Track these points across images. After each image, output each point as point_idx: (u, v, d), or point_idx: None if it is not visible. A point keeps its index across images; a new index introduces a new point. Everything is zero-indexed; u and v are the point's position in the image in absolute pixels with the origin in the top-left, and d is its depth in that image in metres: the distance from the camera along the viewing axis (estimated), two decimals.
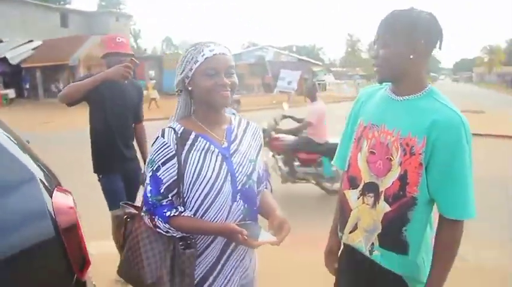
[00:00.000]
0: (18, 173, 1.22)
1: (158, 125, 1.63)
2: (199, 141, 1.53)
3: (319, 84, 41.60)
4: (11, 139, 1.25)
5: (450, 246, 1.50)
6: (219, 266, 1.57)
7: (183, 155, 1.50)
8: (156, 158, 1.50)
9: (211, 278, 1.57)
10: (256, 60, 37.49)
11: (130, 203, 1.71)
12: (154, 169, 1.50)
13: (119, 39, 3.25)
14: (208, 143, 1.54)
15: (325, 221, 2.17)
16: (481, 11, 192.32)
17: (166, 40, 76.77)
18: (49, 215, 1.23)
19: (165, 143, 1.50)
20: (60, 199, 1.32)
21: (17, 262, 1.15)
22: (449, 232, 1.49)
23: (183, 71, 1.54)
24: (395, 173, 1.52)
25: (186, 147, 1.51)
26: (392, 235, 1.55)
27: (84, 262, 1.33)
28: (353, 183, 1.67)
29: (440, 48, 1.52)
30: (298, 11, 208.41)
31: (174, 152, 1.50)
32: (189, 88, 1.55)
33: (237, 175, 1.55)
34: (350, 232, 1.68)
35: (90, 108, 3.20)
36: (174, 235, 1.49)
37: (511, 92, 43.06)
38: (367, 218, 1.61)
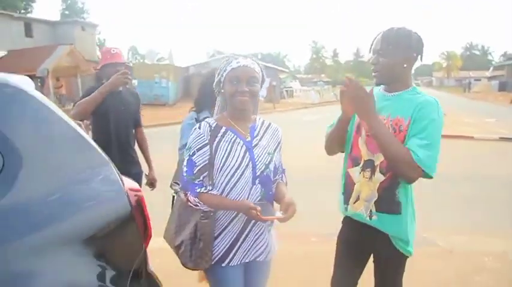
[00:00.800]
0: (98, 159, 1.54)
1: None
2: (228, 134, 1.92)
3: (286, 91, 42.28)
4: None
5: (411, 164, 1.83)
6: (240, 240, 1.95)
7: (214, 144, 1.89)
8: (193, 145, 1.90)
9: (233, 250, 1.94)
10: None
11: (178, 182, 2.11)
12: (190, 153, 1.90)
13: (113, 50, 3.54)
14: (235, 136, 1.94)
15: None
16: (437, 19, 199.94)
17: (132, 49, 75.94)
18: (126, 194, 1.56)
19: (200, 133, 1.90)
20: (128, 180, 1.66)
21: (105, 233, 1.47)
22: (408, 165, 1.84)
23: (218, 77, 1.94)
24: None
25: (217, 138, 1.90)
26: (387, 199, 1.99)
27: (147, 234, 1.66)
28: (355, 162, 2.11)
29: (421, 60, 2.01)
30: (263, 19, 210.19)
31: (207, 141, 1.89)
32: (222, 91, 1.95)
33: (257, 163, 1.95)
34: (354, 203, 2.11)
35: (94, 119, 3.41)
36: (202, 208, 1.87)
37: (468, 95, 45.22)
38: (366, 190, 2.04)
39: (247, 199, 1.92)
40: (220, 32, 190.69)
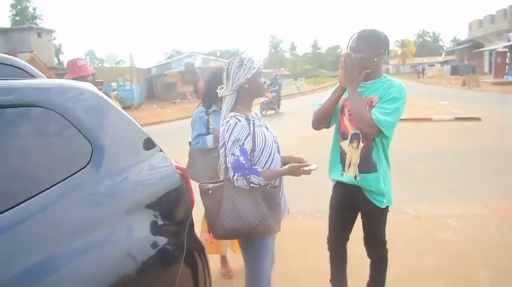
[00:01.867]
0: (153, 144, 1.98)
1: None
2: (255, 121, 2.39)
3: None
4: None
5: (369, 122, 2.40)
6: (281, 195, 2.46)
7: (251, 132, 2.32)
8: (240, 136, 2.28)
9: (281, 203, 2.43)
10: (186, 68, 37.82)
11: (212, 181, 2.46)
12: (241, 143, 2.27)
13: (79, 62, 3.82)
14: (259, 120, 2.44)
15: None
16: (389, 7, 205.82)
17: (90, 53, 74.61)
18: (176, 170, 2.02)
19: (243, 125, 2.30)
20: (173, 161, 2.11)
21: (165, 202, 1.93)
22: (367, 122, 2.40)
23: (245, 76, 2.34)
24: None
25: (251, 126, 2.33)
26: (366, 161, 2.54)
27: (191, 200, 2.12)
28: (344, 136, 2.64)
29: (388, 54, 2.57)
30: (218, 16, 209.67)
31: (249, 130, 2.31)
32: (246, 86, 2.35)
33: (275, 137, 2.50)
34: (348, 169, 2.63)
35: None
36: (262, 184, 2.28)
37: (422, 80, 47.29)
38: (354, 156, 2.57)
39: (280, 166, 2.45)
40: (177, 32, 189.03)
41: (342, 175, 2.69)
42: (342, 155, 2.68)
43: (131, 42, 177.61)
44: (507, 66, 34.53)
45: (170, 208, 1.97)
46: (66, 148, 1.63)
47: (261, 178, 2.26)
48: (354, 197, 2.66)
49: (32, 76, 1.77)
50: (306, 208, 5.30)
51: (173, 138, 6.77)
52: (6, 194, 1.38)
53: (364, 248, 2.85)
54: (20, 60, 1.81)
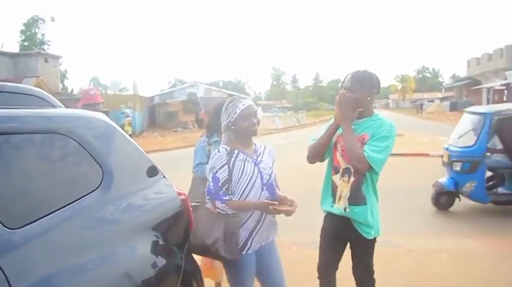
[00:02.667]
0: (157, 171, 2.16)
1: None
2: (240, 155, 2.57)
3: None
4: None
5: (361, 159, 2.58)
6: (255, 232, 2.59)
7: (231, 163, 2.52)
8: (216, 165, 2.50)
9: (250, 240, 2.57)
10: (189, 97, 38.29)
11: (195, 201, 2.66)
12: (214, 171, 2.49)
13: (91, 91, 4.22)
14: (245, 156, 2.59)
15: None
16: (391, 43, 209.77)
17: (94, 80, 75.61)
18: (177, 195, 2.18)
19: (220, 155, 2.52)
20: (175, 186, 2.27)
21: (165, 226, 2.09)
22: (359, 159, 2.58)
23: (228, 118, 2.56)
24: None
25: (233, 159, 2.53)
26: (356, 194, 2.70)
27: (190, 223, 2.27)
28: (336, 170, 2.81)
29: (379, 93, 2.79)
30: (222, 47, 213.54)
31: (225, 161, 2.50)
32: (232, 127, 2.56)
33: (263, 174, 2.60)
34: (338, 201, 2.78)
35: None
36: (228, 212, 2.46)
37: (422, 116, 47.82)
38: (345, 189, 2.73)
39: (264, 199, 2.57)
40: (181, 61, 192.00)
41: (332, 206, 2.83)
42: (333, 188, 2.84)
43: (135, 70, 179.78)
44: None
45: (170, 231, 2.13)
46: (80, 171, 1.80)
47: (224, 205, 2.45)
48: (343, 227, 2.81)
49: (53, 106, 1.95)
50: (302, 239, 5.40)
51: (173, 166, 6.91)
52: (27, 210, 1.54)
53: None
54: (43, 92, 1.99)
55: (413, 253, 5.03)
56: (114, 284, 1.73)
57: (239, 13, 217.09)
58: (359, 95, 2.69)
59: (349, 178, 2.75)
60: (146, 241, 1.93)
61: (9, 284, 1.33)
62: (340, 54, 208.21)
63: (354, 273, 2.94)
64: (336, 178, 2.82)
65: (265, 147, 2.80)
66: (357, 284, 2.96)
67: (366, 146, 2.62)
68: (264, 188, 2.61)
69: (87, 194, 1.73)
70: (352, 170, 2.71)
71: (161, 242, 2.01)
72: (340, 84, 2.83)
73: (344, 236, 2.87)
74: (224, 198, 2.46)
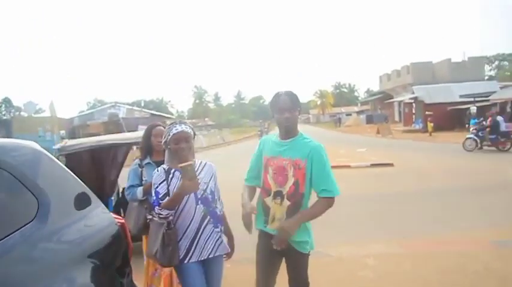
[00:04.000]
0: (94, 198, 2.10)
1: None
2: (176, 173, 2.72)
3: None
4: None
5: (322, 211, 2.76)
6: (195, 242, 2.75)
7: (169, 180, 2.71)
8: (156, 181, 2.71)
9: (191, 250, 2.74)
10: (110, 118, 37.01)
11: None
12: (155, 187, 2.70)
13: None
14: (181, 174, 2.66)
15: None
16: (309, 59, 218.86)
17: (6, 102, 70.34)
18: (115, 221, 2.12)
19: (159, 174, 2.72)
20: (112, 214, 2.20)
21: (104, 252, 2.02)
22: (326, 204, 2.75)
23: (165, 139, 2.77)
24: (291, 182, 2.80)
25: (170, 176, 2.73)
26: (292, 216, 2.75)
27: (129, 246, 2.23)
28: (267, 192, 2.88)
29: (300, 113, 2.89)
30: (142, 65, 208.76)
31: (164, 178, 2.70)
32: (168, 147, 2.74)
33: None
34: (271, 222, 2.86)
35: None
36: (163, 213, 2.63)
37: (340, 129, 50.32)
38: (278, 212, 2.82)
39: (194, 214, 2.76)
40: (100, 80, 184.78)
41: (265, 227, 2.92)
42: (265, 209, 2.91)
43: (51, 90, 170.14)
44: (414, 116, 37.90)
45: (109, 257, 2.09)
46: (14, 203, 1.70)
47: (158, 208, 2.67)
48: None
49: None
50: (235, 256, 5.41)
51: None
52: None
53: None
54: None
55: (343, 260, 5.27)
56: None
57: (158, 31, 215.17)
58: (296, 115, 2.82)
59: (282, 200, 2.82)
60: (85, 270, 1.87)
61: None
62: (261, 72, 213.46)
63: (290, 286, 3.01)
64: (268, 200, 2.89)
65: (205, 163, 2.96)
66: None
67: (315, 180, 2.75)
68: (199, 202, 2.79)
69: (22, 227, 1.64)
70: (284, 193, 2.80)
71: (100, 270, 1.95)
72: (270, 105, 2.88)
73: (280, 252, 2.92)
74: (160, 202, 2.69)
